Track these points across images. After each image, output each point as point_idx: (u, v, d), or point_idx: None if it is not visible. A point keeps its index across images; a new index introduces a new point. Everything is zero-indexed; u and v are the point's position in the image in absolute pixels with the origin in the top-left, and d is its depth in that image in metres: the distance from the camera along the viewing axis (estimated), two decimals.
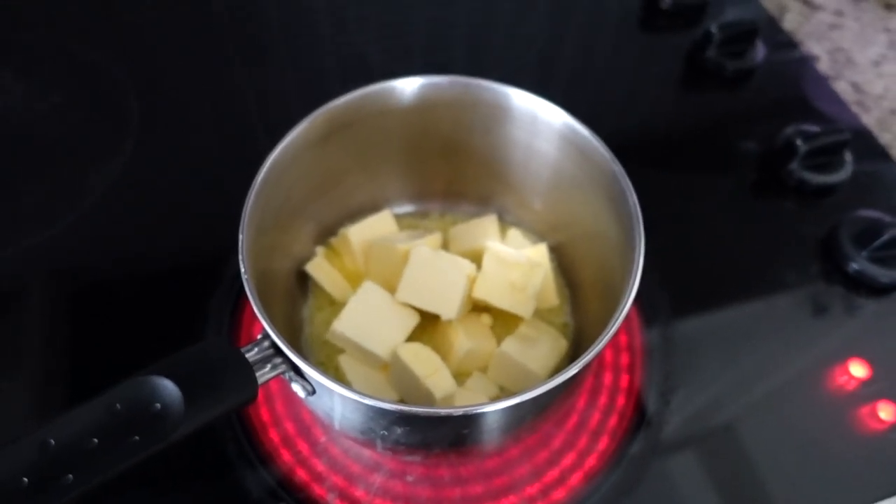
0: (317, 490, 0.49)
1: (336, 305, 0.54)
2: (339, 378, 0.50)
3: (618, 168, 0.44)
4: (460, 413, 0.35)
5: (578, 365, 0.36)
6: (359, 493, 0.49)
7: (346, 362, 0.50)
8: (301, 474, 0.50)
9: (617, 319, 0.38)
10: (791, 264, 0.61)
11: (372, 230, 0.55)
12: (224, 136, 0.68)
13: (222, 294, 0.56)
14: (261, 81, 0.72)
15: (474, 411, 0.35)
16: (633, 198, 0.43)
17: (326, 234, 0.57)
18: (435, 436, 0.40)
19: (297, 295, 0.54)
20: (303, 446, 0.51)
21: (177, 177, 0.65)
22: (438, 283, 0.49)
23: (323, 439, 0.51)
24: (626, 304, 0.39)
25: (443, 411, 0.35)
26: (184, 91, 0.71)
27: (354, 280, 0.55)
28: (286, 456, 0.50)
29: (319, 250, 0.55)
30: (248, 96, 0.71)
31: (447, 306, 0.49)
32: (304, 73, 0.73)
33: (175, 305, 0.56)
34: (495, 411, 0.37)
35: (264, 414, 0.52)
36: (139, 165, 0.65)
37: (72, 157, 0.66)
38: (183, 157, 0.66)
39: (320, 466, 0.50)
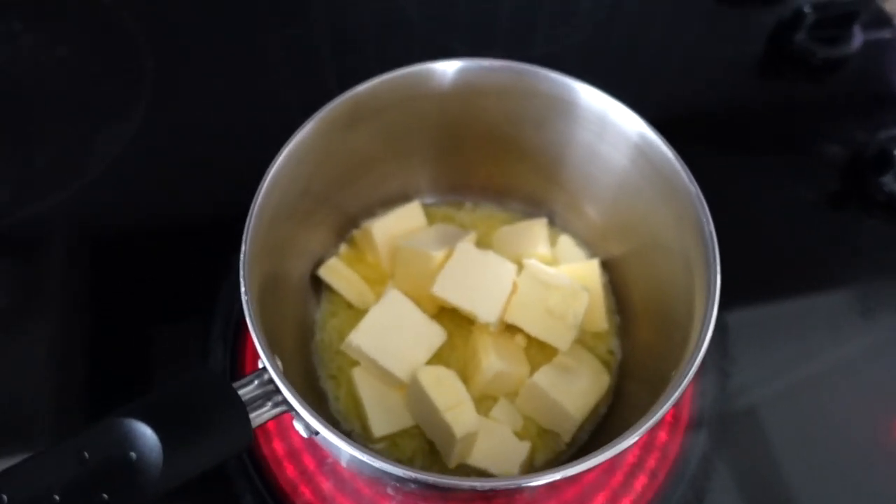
0: None
1: (353, 310, 0.48)
2: (353, 392, 0.46)
3: (696, 191, 0.37)
4: (487, 488, 0.30)
5: (631, 438, 0.30)
6: None
7: (360, 377, 0.45)
8: (306, 493, 0.45)
9: (683, 379, 0.32)
10: (865, 283, 0.54)
11: (398, 224, 0.50)
12: (244, 91, 0.62)
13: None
14: (290, 39, 0.66)
15: (503, 486, 0.30)
16: (711, 228, 0.36)
17: (349, 224, 0.51)
18: (455, 495, 0.34)
19: (310, 293, 0.49)
20: (309, 461, 0.47)
21: (194, 134, 0.60)
22: (481, 283, 0.45)
23: (331, 458, 0.46)
24: (693, 364, 0.33)
25: (466, 484, 0.30)
26: (202, 47, 0.65)
27: (375, 279, 0.50)
28: (290, 471, 0.46)
29: (341, 248, 0.50)
30: (274, 54, 0.65)
31: (487, 309, 0.44)
32: (340, 32, 0.67)
33: (191, 264, 0.53)
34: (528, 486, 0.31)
35: (269, 423, 0.47)
36: (154, 123, 0.60)
37: (83, 113, 0.61)
38: (200, 114, 0.61)
39: (326, 485, 0.46)
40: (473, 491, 0.30)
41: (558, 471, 0.30)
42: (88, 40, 0.66)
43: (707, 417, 0.48)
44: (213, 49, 0.65)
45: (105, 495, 0.27)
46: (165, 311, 0.51)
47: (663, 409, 0.32)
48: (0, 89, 0.62)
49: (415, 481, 0.30)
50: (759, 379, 0.50)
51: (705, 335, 0.33)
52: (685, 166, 0.38)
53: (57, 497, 0.27)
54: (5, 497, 0.26)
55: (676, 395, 0.32)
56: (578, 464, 0.30)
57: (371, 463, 0.30)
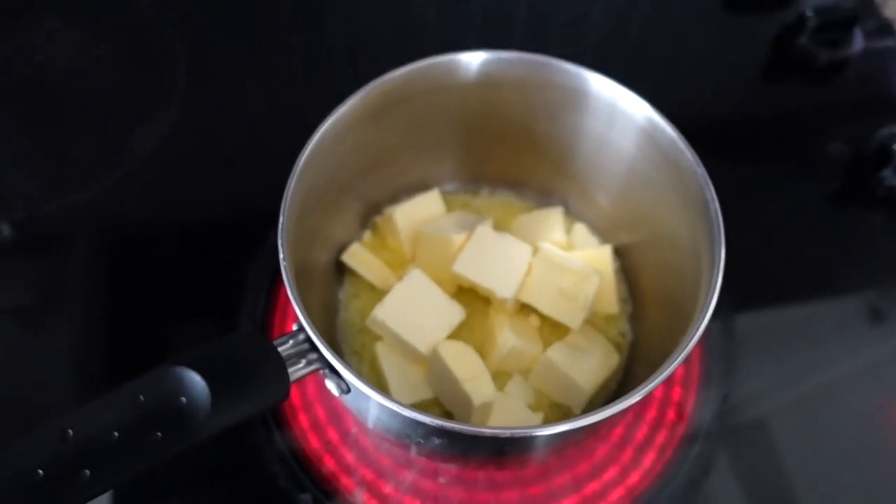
0: (344, 481, 0.47)
1: (376, 292, 0.51)
2: (375, 367, 0.48)
3: (702, 172, 0.39)
4: (507, 435, 0.32)
5: (639, 394, 0.33)
6: (388, 489, 0.47)
7: (382, 351, 0.48)
8: (329, 463, 0.48)
9: (687, 345, 0.35)
10: (874, 285, 0.55)
11: (419, 211, 0.52)
12: (273, 98, 0.65)
13: (264, 258, 0.54)
14: (314, 42, 0.69)
15: (521, 434, 0.32)
16: (716, 206, 0.39)
17: (372, 212, 0.54)
18: (475, 450, 0.37)
19: (334, 277, 0.51)
20: (333, 434, 0.49)
21: (223, 138, 0.62)
22: (498, 263, 0.47)
23: (354, 429, 0.49)
24: (696, 331, 0.35)
25: (487, 431, 0.32)
26: (234, 49, 0.68)
27: (397, 263, 0.52)
28: (314, 442, 0.49)
29: (363, 235, 0.53)
30: (300, 57, 0.68)
31: (504, 286, 0.47)
32: (359, 34, 0.69)
33: (216, 265, 0.55)
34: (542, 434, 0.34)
35: (295, 396, 0.50)
36: (185, 126, 0.62)
37: (117, 113, 0.64)
38: (230, 119, 0.63)
39: (349, 457, 0.48)
40: (495, 439, 0.32)
41: (569, 422, 0.32)
42: (124, 41, 0.68)
43: (712, 425, 0.48)
44: (246, 53, 0.67)
45: (158, 434, 0.30)
46: (189, 310, 0.53)
47: (670, 369, 0.34)
48: (37, 87, 0.65)
49: (440, 430, 0.33)
50: (766, 384, 0.51)
51: (711, 297, 0.35)
52: (691, 148, 0.40)
53: (116, 434, 0.30)
54: (71, 432, 0.29)
55: (683, 355, 0.34)
56: (591, 415, 0.32)
57: (401, 412, 0.32)
